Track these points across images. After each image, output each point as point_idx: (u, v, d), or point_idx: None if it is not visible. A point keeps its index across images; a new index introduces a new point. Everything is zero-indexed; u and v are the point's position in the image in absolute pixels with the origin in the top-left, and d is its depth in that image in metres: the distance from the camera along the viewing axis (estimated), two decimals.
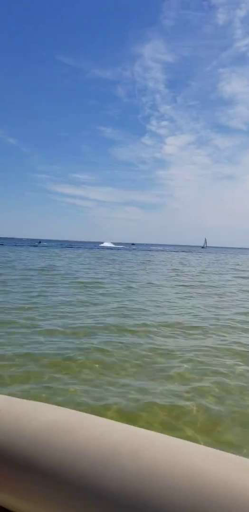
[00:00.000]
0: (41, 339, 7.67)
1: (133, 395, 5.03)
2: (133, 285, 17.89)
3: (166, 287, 17.89)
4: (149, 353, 6.93)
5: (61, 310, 10.96)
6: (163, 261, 46.66)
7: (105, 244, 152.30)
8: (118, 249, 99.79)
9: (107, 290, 15.67)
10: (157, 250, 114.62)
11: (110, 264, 35.20)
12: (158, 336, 8.32)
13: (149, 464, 1.17)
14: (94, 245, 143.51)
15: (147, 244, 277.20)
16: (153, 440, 1.26)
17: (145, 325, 9.26)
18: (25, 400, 1.57)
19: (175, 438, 1.30)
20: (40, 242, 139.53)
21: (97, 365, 6.21)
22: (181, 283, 19.65)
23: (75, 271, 25.10)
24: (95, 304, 12.17)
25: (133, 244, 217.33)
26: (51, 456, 1.29)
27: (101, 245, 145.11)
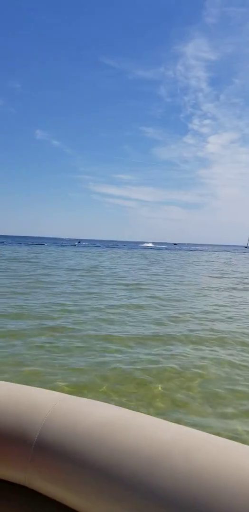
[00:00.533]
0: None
1: None
2: (191, 288, 17.01)
3: (223, 290, 16.88)
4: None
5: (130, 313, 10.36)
6: (209, 261, 45.38)
7: (147, 244, 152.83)
8: (161, 249, 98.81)
9: (167, 294, 14.91)
10: (201, 250, 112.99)
11: (156, 264, 34.47)
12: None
13: (200, 465, 1.17)
14: (135, 245, 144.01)
15: (188, 244, 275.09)
16: (205, 441, 1.25)
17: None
18: (79, 397, 1.59)
19: (226, 440, 1.27)
20: (79, 242, 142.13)
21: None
22: (239, 286, 18.47)
23: (125, 272, 24.50)
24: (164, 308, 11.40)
25: (175, 244, 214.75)
26: (103, 453, 1.30)
27: (143, 245, 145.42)
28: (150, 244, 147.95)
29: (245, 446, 1.24)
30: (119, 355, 6.83)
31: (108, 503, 1.24)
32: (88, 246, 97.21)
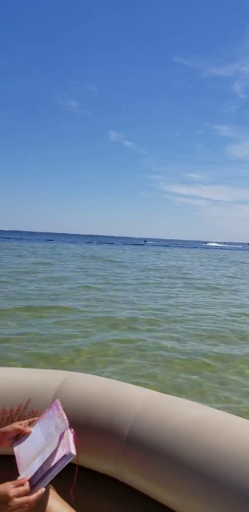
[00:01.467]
0: None
1: None
2: None
3: None
4: None
5: None
6: None
7: (210, 243, 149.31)
8: (232, 249, 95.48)
9: None
10: None
11: (234, 266, 32.54)
12: None
13: None
14: (198, 244, 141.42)
15: None
16: None
17: None
18: (168, 395, 1.61)
19: None
20: (145, 241, 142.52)
21: None
22: None
23: (204, 273, 23.25)
24: None
25: None
26: (195, 451, 1.31)
27: (210, 244, 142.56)
28: (214, 244, 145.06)
29: None
30: None
31: (201, 501, 1.26)
32: (155, 245, 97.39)
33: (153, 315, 9.51)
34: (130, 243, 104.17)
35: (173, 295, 13.18)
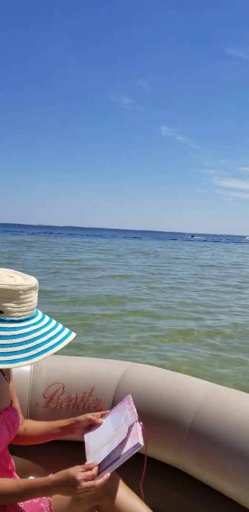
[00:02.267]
0: None
1: None
2: None
3: None
4: None
5: None
6: None
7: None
8: None
9: None
10: None
11: None
12: None
13: None
14: (232, 239, 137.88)
15: None
16: None
17: None
18: (229, 388, 1.63)
19: None
20: (193, 236, 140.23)
21: None
22: None
23: None
24: None
25: None
26: None
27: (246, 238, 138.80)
28: None
29: None
30: None
31: None
32: (203, 240, 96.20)
33: None
34: (178, 238, 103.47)
35: None
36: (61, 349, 1.19)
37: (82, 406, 1.65)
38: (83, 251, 30.78)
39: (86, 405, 1.65)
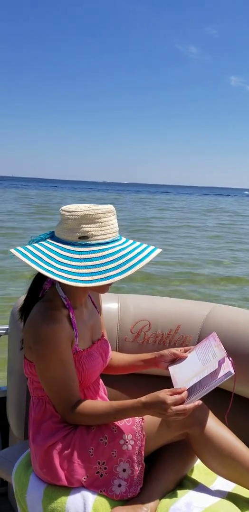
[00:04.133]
0: None
1: None
2: None
3: None
4: None
5: None
6: None
7: None
8: None
9: None
10: None
11: None
12: None
13: None
14: None
15: None
16: None
17: None
18: None
19: None
20: None
21: None
22: None
23: None
24: None
25: None
26: None
27: None
28: None
29: None
30: None
31: None
32: None
33: None
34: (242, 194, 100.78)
35: None
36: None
37: (169, 342, 1.71)
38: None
39: (172, 342, 1.71)
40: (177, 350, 1.48)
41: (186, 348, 1.50)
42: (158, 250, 1.31)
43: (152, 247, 1.31)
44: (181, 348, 1.50)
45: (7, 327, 1.82)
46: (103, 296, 1.72)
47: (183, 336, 1.71)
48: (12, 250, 1.25)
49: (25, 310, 1.39)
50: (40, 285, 1.38)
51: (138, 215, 23.97)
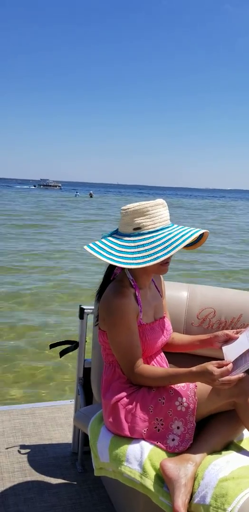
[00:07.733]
0: None
1: None
2: None
3: None
4: None
5: None
6: None
7: None
8: None
9: None
10: None
11: None
12: None
13: None
14: None
15: None
16: None
17: None
18: None
19: None
20: None
21: None
22: None
23: None
24: None
25: None
26: None
27: None
28: None
29: None
30: None
31: None
32: None
33: None
34: None
35: None
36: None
37: (231, 329, 1.86)
38: None
39: (235, 329, 1.86)
40: (229, 332, 1.64)
41: (238, 330, 1.66)
42: (202, 231, 1.52)
43: (196, 229, 1.52)
44: (234, 330, 1.66)
45: (93, 307, 2.14)
46: (175, 285, 1.94)
47: (245, 324, 1.85)
48: (85, 247, 1.55)
49: (100, 291, 1.69)
50: (112, 271, 1.67)
51: None
